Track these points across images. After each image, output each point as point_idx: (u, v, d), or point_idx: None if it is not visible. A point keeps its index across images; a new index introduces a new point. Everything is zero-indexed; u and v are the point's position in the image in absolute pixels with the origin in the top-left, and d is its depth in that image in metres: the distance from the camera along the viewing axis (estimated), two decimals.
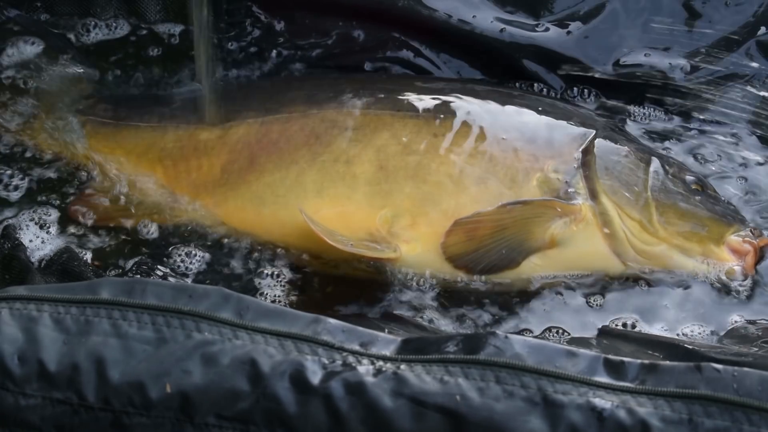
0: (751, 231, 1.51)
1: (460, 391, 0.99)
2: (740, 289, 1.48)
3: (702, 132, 1.70)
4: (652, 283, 1.48)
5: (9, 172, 1.60)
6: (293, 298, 1.46)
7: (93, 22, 1.82)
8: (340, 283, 1.50)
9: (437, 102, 1.57)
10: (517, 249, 1.46)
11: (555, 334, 1.42)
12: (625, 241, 1.48)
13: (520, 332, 1.43)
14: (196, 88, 1.66)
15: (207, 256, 1.51)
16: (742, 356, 1.19)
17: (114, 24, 1.82)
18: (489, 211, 1.47)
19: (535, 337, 1.40)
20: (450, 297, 1.47)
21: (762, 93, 1.70)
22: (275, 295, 1.46)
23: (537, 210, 1.47)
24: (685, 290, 1.47)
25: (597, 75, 1.72)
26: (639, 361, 1.02)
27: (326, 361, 1.02)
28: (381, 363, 1.02)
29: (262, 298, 1.45)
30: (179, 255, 1.51)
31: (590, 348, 1.25)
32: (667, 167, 1.55)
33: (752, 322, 1.44)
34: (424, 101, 1.57)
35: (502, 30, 1.72)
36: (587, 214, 1.49)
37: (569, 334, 1.42)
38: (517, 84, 1.73)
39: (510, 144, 1.52)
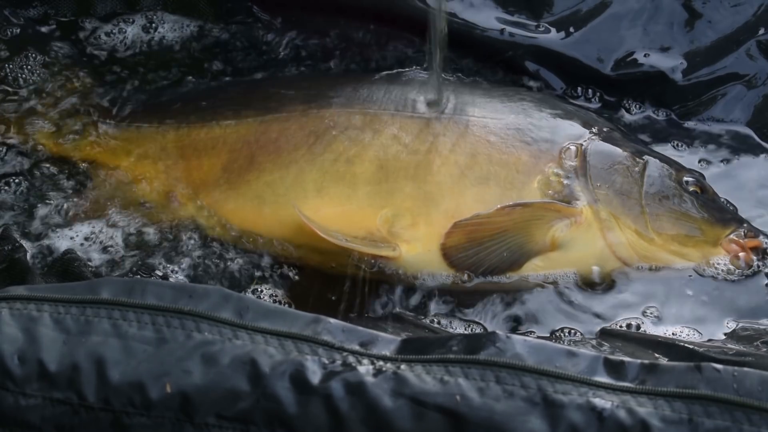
0: (746, 232, 1.51)
1: (460, 391, 0.99)
2: (740, 288, 1.48)
3: (702, 132, 1.70)
4: (654, 284, 1.48)
5: (9, 172, 1.60)
6: (293, 298, 1.46)
7: (92, 22, 1.82)
8: (341, 282, 1.50)
9: (437, 102, 1.57)
10: (518, 251, 1.46)
11: (566, 334, 1.42)
12: (626, 245, 1.48)
13: (522, 333, 1.42)
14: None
15: (207, 255, 1.51)
16: (742, 356, 1.19)
17: (114, 23, 1.82)
18: (489, 213, 1.47)
19: (540, 337, 1.40)
20: (451, 297, 1.47)
21: (762, 93, 1.70)
22: (275, 295, 1.46)
23: (537, 212, 1.47)
24: (686, 290, 1.47)
25: (597, 75, 1.72)
26: (639, 361, 1.02)
27: (326, 361, 1.02)
28: (381, 363, 1.02)
29: (262, 298, 1.44)
30: (179, 255, 1.51)
31: (594, 349, 1.25)
32: (664, 170, 1.54)
33: (752, 322, 1.44)
34: (425, 101, 1.57)
35: (502, 30, 1.72)
36: (588, 216, 1.49)
37: (581, 334, 1.42)
38: (517, 84, 1.74)
39: (511, 145, 1.52)
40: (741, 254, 1.49)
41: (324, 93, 1.61)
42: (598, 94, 1.73)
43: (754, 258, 1.49)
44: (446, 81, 1.63)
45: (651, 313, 1.45)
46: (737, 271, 1.48)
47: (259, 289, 1.47)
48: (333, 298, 1.48)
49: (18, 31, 1.78)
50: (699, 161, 1.66)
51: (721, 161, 1.66)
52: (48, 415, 1.02)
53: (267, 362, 1.01)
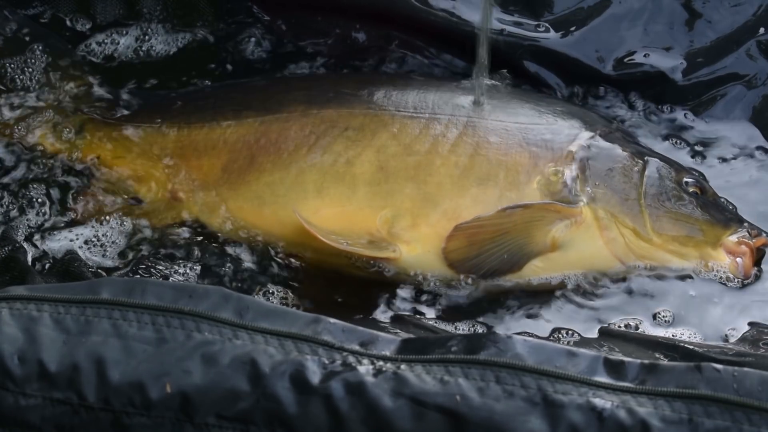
0: (748, 232, 1.51)
1: (460, 391, 0.99)
2: (740, 289, 1.48)
3: (701, 132, 1.70)
4: (654, 284, 1.48)
5: (8, 173, 1.60)
6: (293, 298, 1.46)
7: (92, 21, 1.82)
8: (341, 283, 1.50)
9: (437, 102, 1.57)
10: (518, 253, 1.46)
11: (564, 335, 1.42)
12: (625, 245, 1.48)
13: (521, 333, 1.42)
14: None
15: (207, 255, 1.51)
16: (742, 356, 1.19)
17: (114, 23, 1.82)
18: (489, 215, 1.47)
19: (540, 338, 1.40)
20: (451, 297, 1.47)
21: (762, 93, 1.70)
22: (276, 295, 1.46)
23: (537, 213, 1.47)
24: (687, 291, 1.47)
25: (597, 75, 1.72)
26: (639, 361, 1.02)
27: (326, 361, 1.02)
28: (381, 363, 1.02)
29: (263, 298, 1.44)
30: (179, 255, 1.51)
31: (594, 349, 1.25)
32: (664, 170, 1.54)
33: (753, 323, 1.44)
34: (425, 101, 1.57)
35: (502, 30, 1.72)
36: (588, 217, 1.49)
37: (579, 335, 1.42)
38: (517, 84, 1.73)
39: (510, 145, 1.52)
40: (739, 260, 1.49)
41: (324, 93, 1.61)
42: (598, 94, 1.73)
43: (755, 269, 1.49)
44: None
45: (651, 314, 1.45)
46: (736, 279, 1.48)
47: (260, 289, 1.47)
48: (334, 298, 1.48)
49: (17, 30, 1.78)
50: (698, 161, 1.66)
51: (721, 161, 1.66)
52: (48, 415, 1.02)
53: (267, 362, 1.01)
